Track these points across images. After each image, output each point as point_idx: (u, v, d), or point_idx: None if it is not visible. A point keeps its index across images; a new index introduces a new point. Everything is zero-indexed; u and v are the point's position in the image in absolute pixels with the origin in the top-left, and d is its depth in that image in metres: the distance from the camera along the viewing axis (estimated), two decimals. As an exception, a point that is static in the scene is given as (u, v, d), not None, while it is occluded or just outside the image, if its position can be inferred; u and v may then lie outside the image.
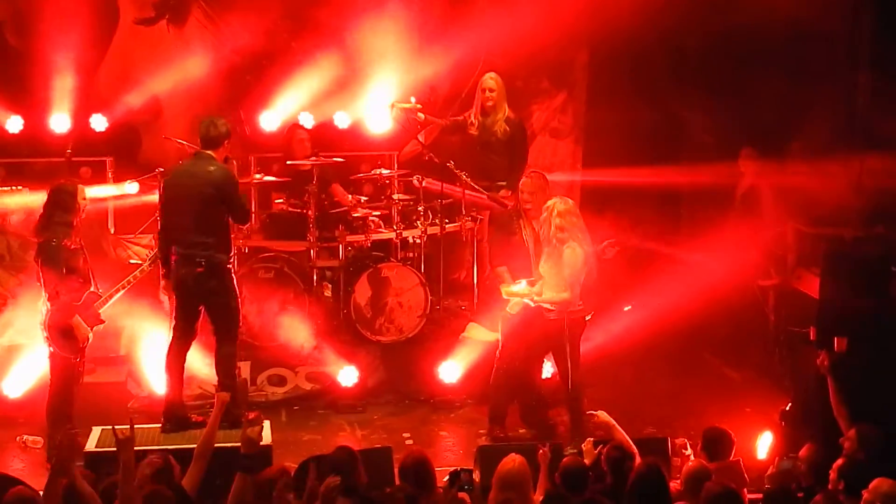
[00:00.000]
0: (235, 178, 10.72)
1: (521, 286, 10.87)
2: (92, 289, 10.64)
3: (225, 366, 10.50)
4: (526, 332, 11.00)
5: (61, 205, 10.50)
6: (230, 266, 10.69)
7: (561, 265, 10.62)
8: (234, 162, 10.99)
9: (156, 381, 11.46)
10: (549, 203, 10.74)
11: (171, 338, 10.61)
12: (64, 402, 10.54)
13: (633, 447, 8.72)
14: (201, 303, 10.46)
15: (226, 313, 10.51)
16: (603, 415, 9.15)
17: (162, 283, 10.74)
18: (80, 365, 10.72)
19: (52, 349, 10.51)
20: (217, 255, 10.38)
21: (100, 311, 10.66)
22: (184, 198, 10.42)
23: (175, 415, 10.38)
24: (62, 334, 10.43)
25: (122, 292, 10.89)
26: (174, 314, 10.63)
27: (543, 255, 10.80)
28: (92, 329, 10.61)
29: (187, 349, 10.60)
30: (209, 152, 10.49)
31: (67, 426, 9.96)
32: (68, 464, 7.57)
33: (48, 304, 10.46)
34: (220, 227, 10.47)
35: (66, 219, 10.49)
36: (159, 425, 10.32)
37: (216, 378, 10.54)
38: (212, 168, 10.41)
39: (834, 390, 9.51)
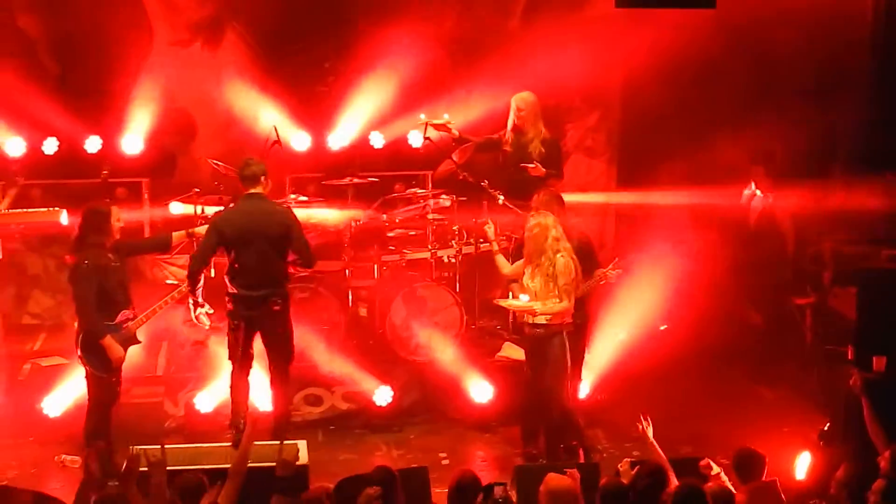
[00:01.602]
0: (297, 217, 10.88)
1: (522, 300, 10.88)
2: (127, 309, 10.67)
3: (284, 389, 10.86)
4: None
5: (95, 226, 10.52)
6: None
7: (550, 277, 10.64)
8: (269, 182, 11.03)
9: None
10: (535, 220, 10.76)
11: (234, 368, 10.82)
12: (100, 421, 10.58)
13: (667, 466, 8.68)
14: (263, 333, 10.73)
15: (286, 340, 10.78)
16: (648, 430, 9.09)
17: (198, 310, 10.76)
18: (118, 385, 10.75)
19: (87, 369, 10.55)
20: (285, 290, 10.72)
21: (135, 330, 10.68)
22: (249, 240, 10.54)
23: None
24: (94, 354, 10.46)
25: (158, 313, 10.90)
26: (238, 346, 10.74)
27: (528, 270, 10.79)
28: (126, 349, 10.63)
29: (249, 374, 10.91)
30: (258, 191, 10.61)
31: (101, 444, 9.96)
32: (130, 476, 7.65)
33: (79, 324, 10.51)
34: (285, 264, 10.70)
35: (100, 240, 10.52)
36: (196, 445, 10.36)
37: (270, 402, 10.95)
38: (274, 208, 10.68)
39: (868, 410, 9.43)
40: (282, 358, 10.83)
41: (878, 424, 9.31)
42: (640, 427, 9.11)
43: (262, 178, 10.66)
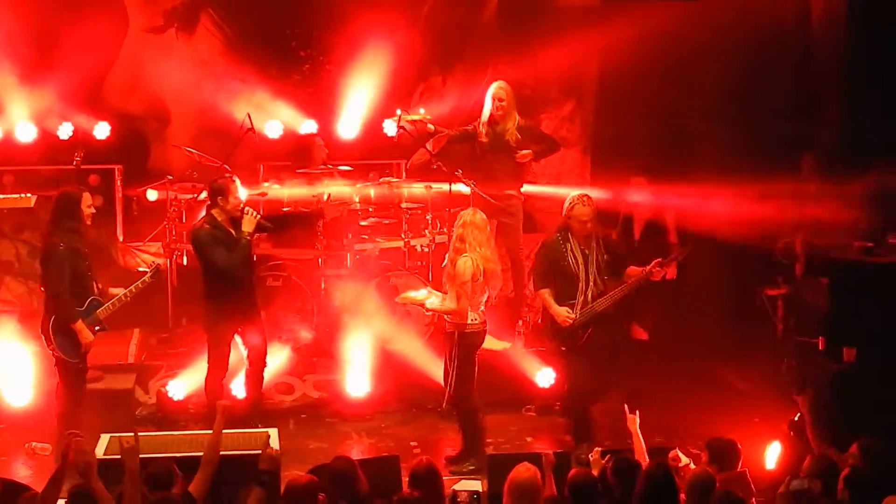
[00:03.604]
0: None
1: (420, 293, 10.94)
2: (94, 295, 10.64)
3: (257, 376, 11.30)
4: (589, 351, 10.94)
5: (67, 212, 10.51)
6: None
7: (449, 277, 10.61)
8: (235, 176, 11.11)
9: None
10: (462, 213, 10.74)
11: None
12: (75, 407, 10.56)
13: (646, 458, 8.71)
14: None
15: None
16: (633, 422, 9.11)
17: None
18: (84, 371, 10.74)
19: (58, 355, 10.50)
20: None
21: (103, 317, 10.65)
22: None
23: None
24: (65, 339, 10.44)
25: (123, 301, 10.80)
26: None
27: (445, 259, 10.83)
28: (94, 334, 10.61)
29: None
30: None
31: (73, 432, 9.93)
32: (88, 467, 7.62)
33: (51, 308, 10.49)
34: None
35: (73, 225, 10.50)
36: (167, 433, 10.35)
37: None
38: None
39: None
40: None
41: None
42: (627, 416, 9.14)
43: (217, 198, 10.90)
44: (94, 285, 10.68)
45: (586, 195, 10.92)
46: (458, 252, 10.56)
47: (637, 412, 9.15)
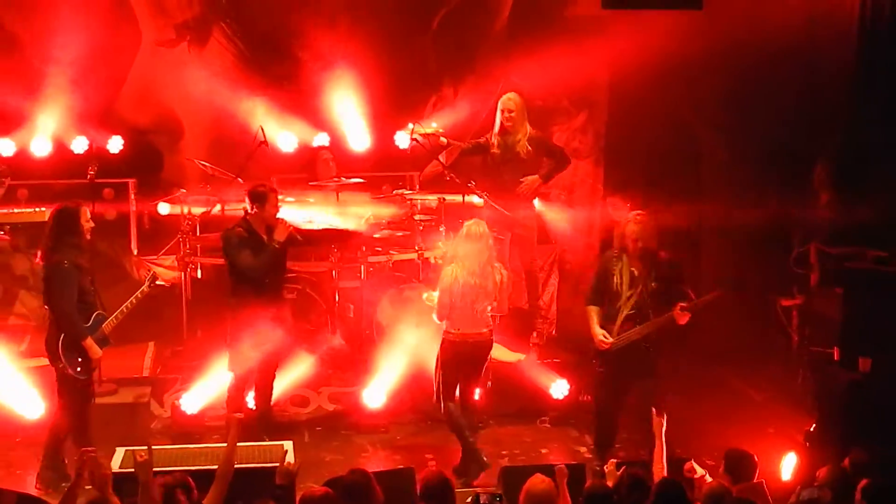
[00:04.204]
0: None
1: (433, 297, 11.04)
2: (98, 310, 10.62)
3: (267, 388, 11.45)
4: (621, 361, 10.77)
5: (67, 228, 10.44)
6: None
7: (438, 283, 10.81)
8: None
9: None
10: (466, 225, 10.78)
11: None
12: (84, 423, 10.54)
13: (664, 464, 8.72)
14: None
15: None
16: (660, 425, 9.09)
17: None
18: (91, 385, 10.73)
19: (67, 373, 10.43)
20: None
21: (108, 331, 10.63)
22: None
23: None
24: (75, 356, 10.41)
25: (125, 313, 10.76)
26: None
27: None
28: (102, 350, 10.60)
29: None
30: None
31: (87, 449, 9.93)
32: (104, 481, 7.64)
33: (59, 326, 10.43)
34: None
35: (74, 241, 10.43)
36: (181, 446, 10.35)
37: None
38: None
39: None
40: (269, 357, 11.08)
41: None
42: (654, 419, 9.12)
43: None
44: (98, 300, 10.66)
45: (641, 213, 10.69)
46: (447, 261, 10.74)
47: (665, 415, 9.13)
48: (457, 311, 10.66)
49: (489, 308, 10.78)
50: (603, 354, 10.64)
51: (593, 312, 10.73)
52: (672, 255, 10.73)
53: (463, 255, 10.66)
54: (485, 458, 10.74)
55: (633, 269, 10.57)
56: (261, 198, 11.10)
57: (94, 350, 10.45)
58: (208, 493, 8.12)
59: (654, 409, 9.26)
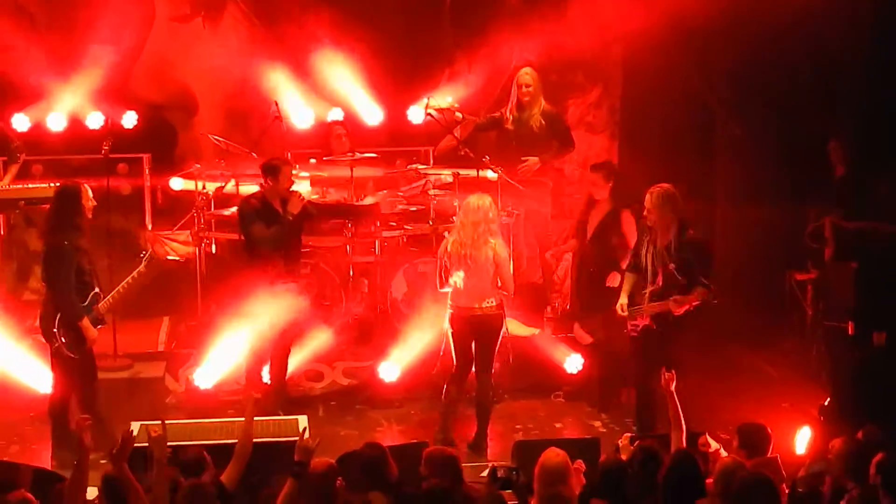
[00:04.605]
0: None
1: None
2: (96, 290, 10.59)
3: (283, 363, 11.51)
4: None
5: (70, 208, 10.43)
6: None
7: None
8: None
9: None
10: (469, 199, 10.86)
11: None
12: (90, 400, 10.51)
13: (682, 424, 8.74)
14: None
15: None
16: (670, 381, 9.07)
17: None
18: (93, 361, 10.70)
19: (63, 351, 10.42)
20: None
21: (104, 311, 10.64)
22: None
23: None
24: (72, 335, 10.40)
25: (122, 293, 10.71)
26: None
27: None
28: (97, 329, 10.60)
29: None
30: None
31: (84, 417, 9.90)
32: (120, 458, 7.66)
33: (56, 305, 10.42)
34: None
35: (76, 221, 10.42)
36: (196, 420, 10.37)
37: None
38: None
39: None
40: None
41: None
42: (664, 379, 9.10)
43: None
44: (95, 279, 10.64)
45: (657, 186, 10.60)
46: (451, 231, 10.95)
47: (674, 372, 9.10)
48: (450, 279, 10.70)
49: (492, 285, 10.78)
50: (633, 327, 10.79)
51: (626, 279, 10.88)
52: (697, 236, 10.71)
53: (459, 225, 10.78)
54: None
55: (655, 242, 10.60)
56: (274, 171, 11.19)
57: (91, 331, 10.45)
58: (226, 469, 8.15)
59: (663, 369, 9.21)
